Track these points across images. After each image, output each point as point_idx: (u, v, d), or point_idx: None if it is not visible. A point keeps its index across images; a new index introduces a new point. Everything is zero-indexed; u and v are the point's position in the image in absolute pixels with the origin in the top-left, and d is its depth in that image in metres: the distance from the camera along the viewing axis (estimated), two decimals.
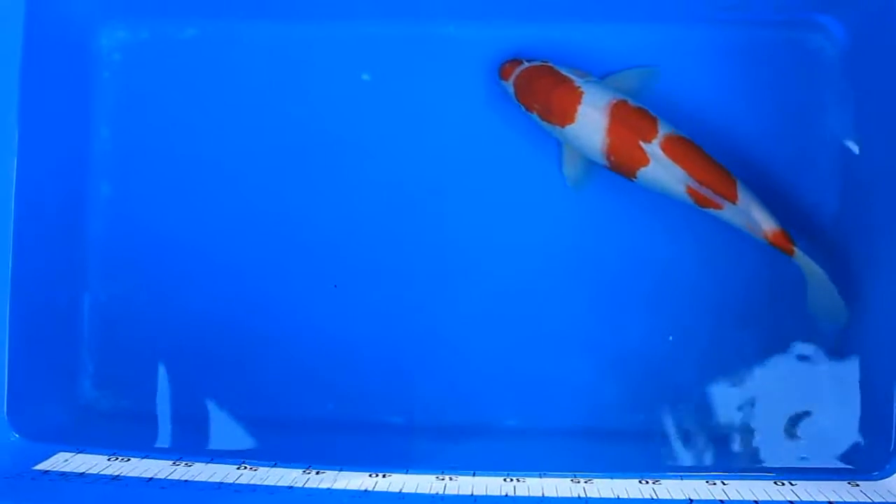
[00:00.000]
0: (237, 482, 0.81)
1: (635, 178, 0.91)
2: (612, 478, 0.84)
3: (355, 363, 0.96)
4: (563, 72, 0.93)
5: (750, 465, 0.92)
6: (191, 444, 0.95)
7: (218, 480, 0.81)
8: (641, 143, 0.89)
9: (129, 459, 0.85)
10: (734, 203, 0.89)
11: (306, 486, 0.81)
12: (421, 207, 0.97)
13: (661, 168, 0.89)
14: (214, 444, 0.95)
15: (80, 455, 0.85)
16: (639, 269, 0.96)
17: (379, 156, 0.98)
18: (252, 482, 0.81)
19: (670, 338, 0.95)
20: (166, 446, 0.94)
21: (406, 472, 0.84)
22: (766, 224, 0.89)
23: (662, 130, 0.90)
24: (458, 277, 0.97)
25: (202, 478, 0.82)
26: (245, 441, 0.94)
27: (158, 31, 0.98)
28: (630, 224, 0.96)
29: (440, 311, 0.96)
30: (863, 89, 0.94)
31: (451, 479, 0.83)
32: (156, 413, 0.96)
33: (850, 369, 0.93)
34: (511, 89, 0.95)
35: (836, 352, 0.94)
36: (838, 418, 0.92)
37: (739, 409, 0.94)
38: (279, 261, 0.97)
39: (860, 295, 0.91)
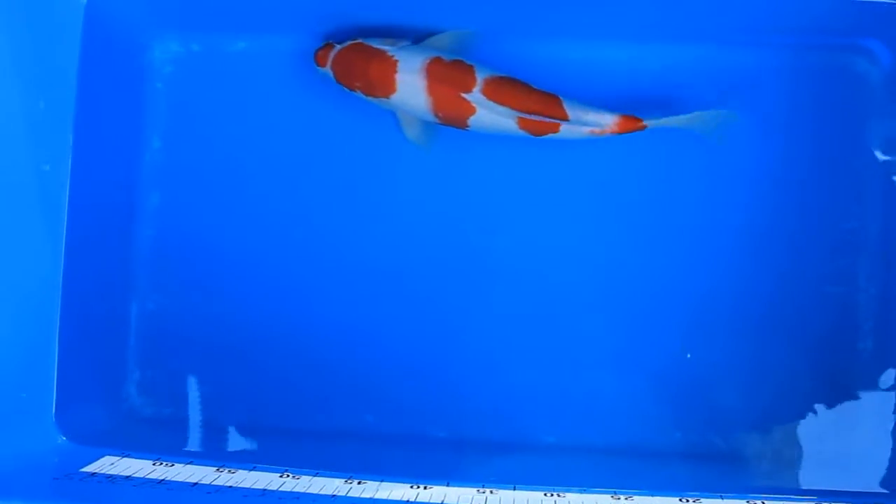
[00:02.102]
0: (280, 490, 0.82)
1: (468, 126, 0.92)
2: (651, 495, 0.83)
3: (397, 376, 0.97)
4: (375, 45, 0.94)
5: (789, 487, 0.92)
6: (233, 452, 0.96)
7: (262, 487, 0.82)
8: (463, 95, 0.91)
9: (173, 465, 0.86)
10: (566, 120, 0.90)
11: (349, 495, 0.82)
12: (463, 223, 0.98)
13: (488, 111, 0.91)
14: (256, 452, 0.96)
15: (125, 459, 0.86)
16: (679, 287, 0.96)
17: (423, 169, 0.98)
18: (295, 490, 0.82)
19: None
20: (208, 453, 0.95)
21: (447, 485, 0.85)
22: (605, 121, 0.91)
23: (480, 76, 0.91)
24: (501, 294, 0.97)
25: (246, 484, 0.83)
26: (287, 451, 0.95)
27: (210, 44, 1.00)
28: (671, 242, 0.97)
29: (482, 326, 0.97)
30: None
31: (491, 492, 0.84)
32: (198, 420, 0.97)
33: (889, 394, 0.93)
34: (330, 74, 0.95)
35: (875, 375, 0.93)
36: (878, 442, 0.92)
37: (779, 429, 0.94)
38: (324, 272, 0.98)
39: None
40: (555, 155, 0.98)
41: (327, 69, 0.96)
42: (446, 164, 0.99)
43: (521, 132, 0.91)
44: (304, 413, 0.97)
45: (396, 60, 0.92)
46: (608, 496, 0.83)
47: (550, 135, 0.91)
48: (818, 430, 0.94)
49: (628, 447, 0.95)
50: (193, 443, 0.97)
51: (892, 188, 0.95)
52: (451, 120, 0.93)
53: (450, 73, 0.92)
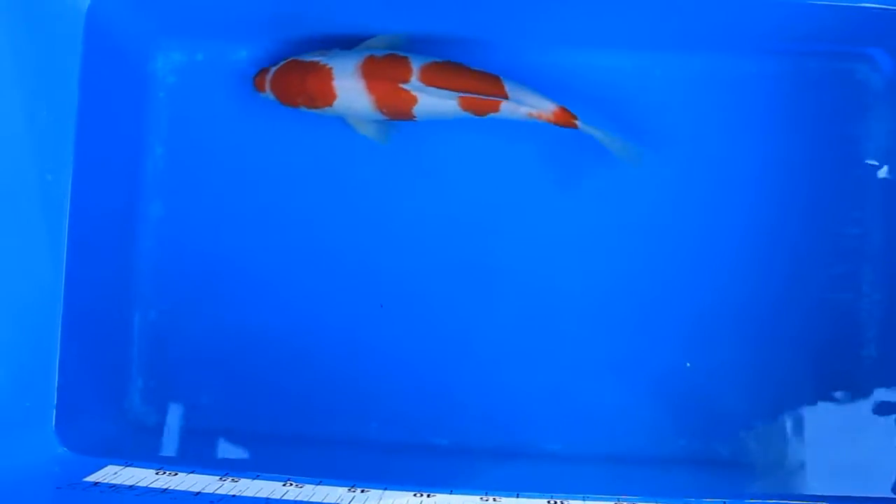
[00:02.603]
0: (283, 498, 0.82)
1: (414, 117, 0.93)
2: (655, 502, 0.83)
3: (401, 384, 0.97)
4: (308, 58, 0.95)
5: (793, 493, 0.92)
6: (236, 461, 0.96)
7: (265, 496, 0.82)
8: (402, 86, 0.91)
9: (176, 474, 0.86)
10: (506, 98, 0.91)
11: (352, 503, 0.82)
12: (466, 232, 0.98)
13: (430, 97, 0.92)
14: (260, 461, 0.95)
15: (128, 468, 0.86)
16: (682, 294, 0.96)
17: (424, 176, 0.99)
18: (298, 498, 0.82)
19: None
20: (212, 462, 0.95)
21: (450, 493, 0.84)
22: (545, 105, 0.92)
23: (416, 65, 0.92)
24: (503, 301, 0.97)
25: (249, 493, 0.82)
26: (290, 459, 0.95)
27: (212, 53, 1.00)
28: (673, 249, 0.97)
29: (485, 333, 0.97)
30: None
31: (494, 500, 0.83)
32: (201, 429, 0.97)
33: (893, 400, 0.93)
34: (272, 97, 0.96)
35: (879, 381, 0.93)
36: (885, 448, 0.92)
37: (782, 436, 0.94)
38: (326, 281, 0.98)
39: None
40: (556, 162, 0.98)
41: (268, 93, 0.96)
42: (448, 173, 0.99)
43: (465, 113, 0.92)
44: (307, 421, 0.97)
45: (331, 68, 0.93)
46: (612, 503, 0.83)
47: (492, 114, 0.92)
48: (822, 436, 0.94)
49: (631, 454, 0.95)
50: (196, 451, 0.96)
51: (894, 194, 0.95)
52: (397, 113, 0.94)
53: (385, 67, 0.93)
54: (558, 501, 0.83)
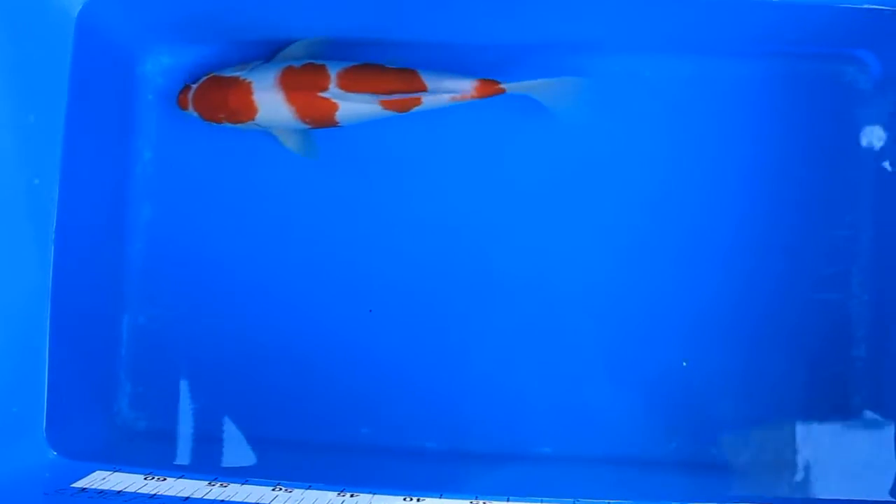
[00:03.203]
0: (273, 503, 0.81)
1: (338, 123, 0.94)
2: None
3: (391, 388, 0.97)
4: (227, 73, 0.95)
5: (786, 496, 0.92)
6: (226, 466, 0.95)
7: (254, 501, 0.82)
8: (321, 94, 0.92)
9: (164, 479, 0.85)
10: (425, 91, 0.92)
11: None
12: (457, 234, 0.98)
13: (351, 103, 0.92)
14: (249, 466, 0.95)
15: (116, 474, 0.86)
16: (674, 297, 0.96)
17: (416, 180, 0.99)
18: (287, 503, 0.81)
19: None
20: (201, 467, 0.95)
21: (440, 497, 0.84)
22: (464, 86, 0.93)
23: (333, 71, 0.93)
24: (492, 304, 0.97)
25: (238, 498, 0.82)
26: (280, 463, 0.95)
27: (201, 56, 1.00)
28: (665, 252, 0.97)
29: (475, 337, 0.97)
30: None
31: (484, 503, 0.83)
32: (190, 434, 0.97)
33: (883, 401, 0.93)
34: (195, 114, 0.96)
35: (870, 382, 0.94)
36: (879, 449, 0.92)
37: (774, 438, 0.94)
38: (315, 285, 0.98)
39: None
40: (549, 164, 0.98)
41: (190, 110, 0.96)
42: (436, 176, 0.99)
43: (388, 112, 0.93)
44: (297, 426, 0.97)
45: (250, 82, 0.94)
46: None
47: (416, 108, 0.93)
48: (814, 438, 0.94)
49: (624, 457, 0.95)
50: (185, 456, 0.96)
51: (884, 196, 0.95)
52: (320, 121, 0.94)
53: (303, 77, 0.93)
54: None
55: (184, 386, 0.98)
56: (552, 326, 0.96)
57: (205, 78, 0.96)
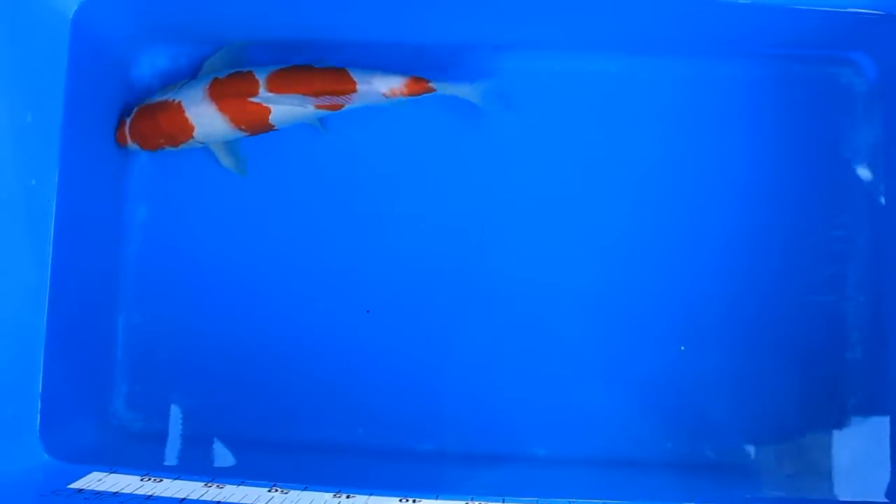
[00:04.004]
0: None
1: (274, 127, 0.95)
2: None
3: (386, 389, 0.97)
4: (156, 99, 0.96)
5: (781, 497, 0.92)
6: (221, 467, 0.95)
7: (250, 502, 0.82)
8: (252, 100, 0.93)
9: (161, 480, 0.85)
10: (355, 90, 0.93)
11: None
12: (454, 236, 0.98)
13: (282, 105, 0.93)
14: (245, 467, 0.95)
15: (112, 475, 0.86)
16: (669, 298, 0.96)
17: (410, 183, 0.99)
18: None
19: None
20: (197, 468, 0.94)
21: (436, 498, 0.84)
22: (394, 83, 0.93)
23: (261, 76, 0.94)
24: (488, 306, 0.97)
25: (234, 499, 0.82)
26: (276, 465, 0.94)
27: (197, 58, 1.00)
28: (660, 253, 0.97)
29: (471, 338, 0.97)
30: (892, 123, 0.95)
31: None
32: (186, 435, 0.97)
33: (878, 403, 0.93)
34: (135, 147, 0.97)
35: (865, 384, 0.94)
36: (873, 451, 0.92)
37: (769, 439, 0.94)
38: (312, 286, 0.98)
39: (891, 327, 0.91)
40: (544, 165, 0.98)
41: (131, 144, 0.97)
42: (435, 176, 0.99)
43: (321, 111, 0.94)
44: (293, 427, 0.97)
45: (180, 101, 0.94)
46: None
47: (349, 106, 0.94)
48: (809, 439, 0.94)
49: (619, 458, 0.95)
50: (181, 457, 0.96)
51: (879, 198, 0.95)
52: (255, 127, 0.95)
53: (231, 86, 0.94)
54: None
55: (180, 387, 0.98)
56: (547, 328, 0.97)
57: (136, 109, 0.96)
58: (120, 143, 0.97)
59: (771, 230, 0.96)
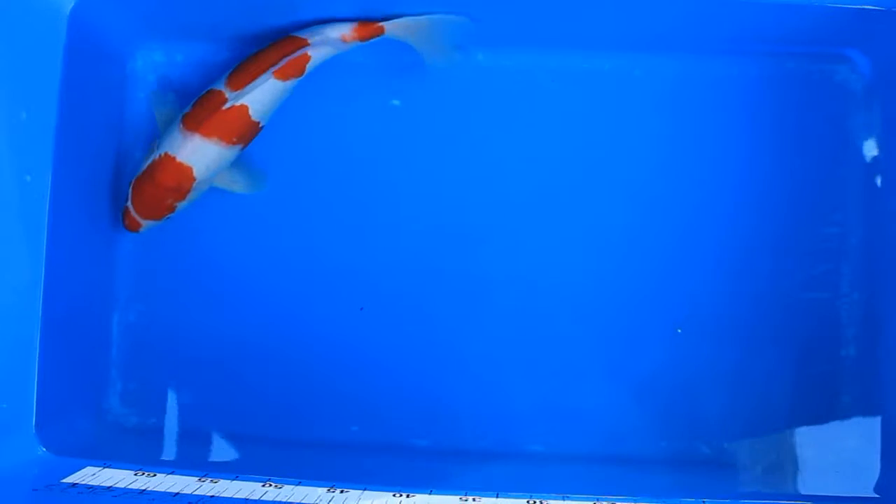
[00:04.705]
0: (262, 499, 0.81)
1: (259, 123, 0.93)
2: (635, 502, 0.83)
3: (380, 386, 0.97)
4: (142, 168, 0.94)
5: (776, 492, 0.92)
6: (216, 462, 0.95)
7: (244, 497, 0.82)
8: (226, 106, 0.91)
9: (154, 475, 0.85)
10: (308, 45, 0.91)
11: (331, 503, 0.82)
12: (449, 233, 0.98)
13: (253, 92, 0.91)
14: (239, 462, 0.95)
15: (106, 469, 0.86)
16: (664, 295, 0.96)
17: (406, 179, 0.99)
18: (277, 499, 0.81)
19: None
20: (191, 463, 0.95)
21: (430, 493, 0.84)
22: (344, 30, 0.92)
23: (220, 84, 0.92)
24: (484, 302, 0.97)
25: (228, 494, 0.82)
26: (270, 460, 0.95)
27: (192, 54, 1.00)
28: (655, 250, 0.97)
29: (465, 335, 0.97)
30: (887, 120, 0.95)
31: (474, 500, 0.83)
32: (181, 430, 0.97)
33: (871, 399, 0.93)
34: (151, 224, 0.95)
35: (859, 381, 0.94)
36: (864, 447, 0.92)
37: (764, 435, 0.94)
38: (306, 283, 0.98)
39: (885, 324, 0.91)
40: (539, 161, 0.98)
41: (145, 224, 0.95)
42: (429, 172, 0.99)
43: (288, 81, 0.92)
44: (288, 422, 0.97)
45: (165, 152, 0.92)
46: (591, 503, 0.83)
47: (309, 64, 0.92)
48: (803, 435, 0.94)
49: (613, 455, 0.95)
50: (176, 453, 0.96)
51: (874, 195, 0.96)
52: (244, 132, 0.93)
53: (200, 109, 0.92)
54: (538, 501, 0.83)
55: (174, 383, 0.98)
56: (542, 324, 0.97)
57: (129, 188, 0.95)
58: (133, 229, 0.95)
59: (764, 227, 0.96)
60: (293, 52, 0.92)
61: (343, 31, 0.92)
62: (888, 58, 0.95)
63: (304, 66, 0.92)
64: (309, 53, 0.92)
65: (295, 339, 0.98)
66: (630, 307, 0.96)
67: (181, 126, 0.92)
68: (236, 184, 0.96)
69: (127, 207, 0.95)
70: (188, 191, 0.94)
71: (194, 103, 0.93)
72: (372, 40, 0.92)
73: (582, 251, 0.97)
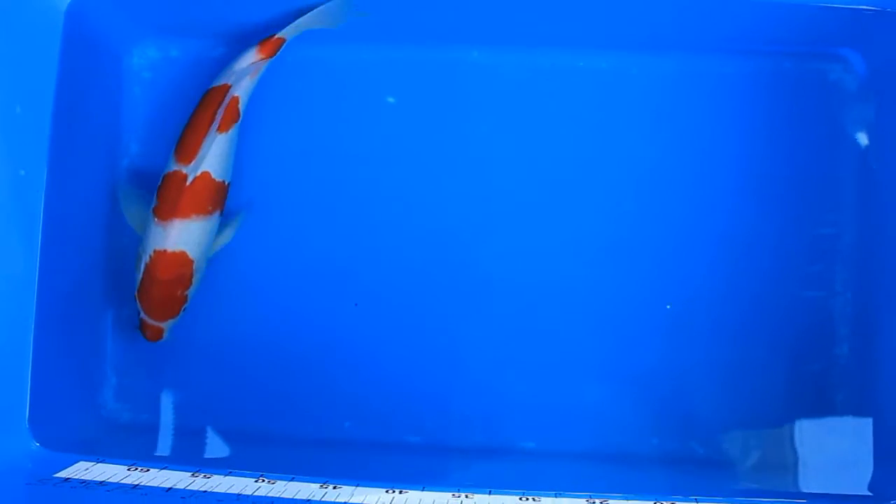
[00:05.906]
0: (255, 494, 0.82)
1: (226, 182, 0.93)
2: (627, 499, 0.84)
3: (373, 382, 0.97)
4: (137, 275, 0.93)
5: (769, 490, 0.92)
6: (209, 458, 0.95)
7: (236, 492, 0.82)
8: (189, 181, 0.90)
9: (147, 470, 0.85)
10: (231, 85, 0.92)
11: (324, 499, 0.82)
12: (443, 230, 0.98)
13: (209, 158, 0.91)
14: (232, 458, 0.95)
15: (99, 465, 0.86)
16: (658, 294, 0.97)
17: (401, 176, 0.99)
18: (270, 495, 0.82)
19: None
20: (184, 459, 0.95)
21: (422, 489, 0.84)
22: (249, 59, 0.93)
23: (171, 165, 0.92)
24: (477, 299, 0.97)
25: (221, 489, 0.82)
26: (263, 456, 0.95)
27: (188, 50, 1.00)
28: (650, 249, 0.97)
29: (459, 331, 0.97)
30: (881, 119, 0.95)
31: (466, 496, 0.84)
32: (175, 426, 0.97)
33: (865, 398, 0.93)
34: (171, 324, 0.95)
35: (852, 379, 0.94)
36: (857, 446, 0.92)
37: (757, 434, 0.94)
38: (299, 279, 0.98)
39: (879, 323, 0.92)
40: (536, 160, 0.98)
41: (167, 326, 0.95)
42: (425, 170, 0.99)
43: (231, 129, 0.92)
44: (281, 419, 0.97)
45: (153, 248, 0.91)
46: (583, 500, 0.83)
47: (242, 105, 0.93)
48: (796, 434, 0.94)
49: (606, 452, 0.95)
50: (169, 448, 0.96)
51: (868, 194, 0.96)
52: (215, 195, 0.93)
53: (165, 196, 0.91)
54: (530, 498, 0.84)
55: (168, 379, 0.98)
56: (536, 321, 0.97)
57: (137, 302, 0.94)
58: (158, 338, 0.95)
59: (759, 226, 0.96)
60: (222, 101, 0.92)
61: (250, 59, 0.93)
62: (882, 57, 0.95)
63: (238, 109, 0.93)
64: (236, 94, 0.92)
65: (288, 334, 0.98)
66: (624, 305, 0.97)
67: (156, 220, 0.92)
68: (227, 237, 0.96)
69: (143, 320, 0.95)
70: (191, 274, 0.93)
71: (158, 194, 0.92)
72: (279, 52, 0.94)
73: (575, 249, 0.97)
